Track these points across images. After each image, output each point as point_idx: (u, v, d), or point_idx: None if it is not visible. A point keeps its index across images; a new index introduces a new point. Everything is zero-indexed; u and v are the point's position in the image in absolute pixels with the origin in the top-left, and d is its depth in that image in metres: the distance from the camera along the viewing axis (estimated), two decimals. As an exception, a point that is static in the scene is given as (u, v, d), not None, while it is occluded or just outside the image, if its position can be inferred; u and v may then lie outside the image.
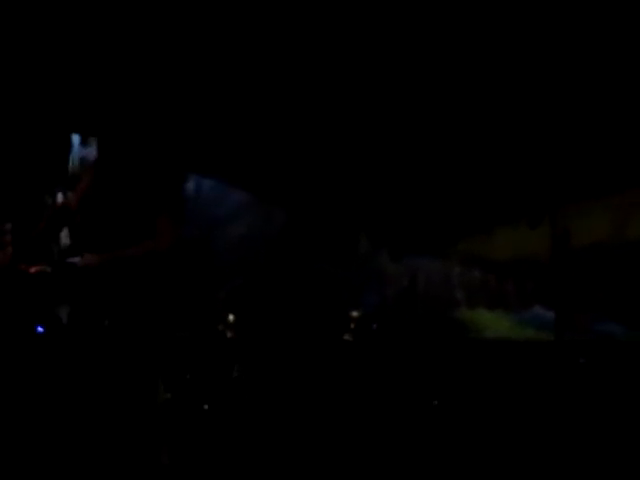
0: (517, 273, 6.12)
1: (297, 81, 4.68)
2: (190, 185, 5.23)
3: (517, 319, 6.25)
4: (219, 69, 4.64)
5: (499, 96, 4.15)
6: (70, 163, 4.83)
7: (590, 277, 5.69)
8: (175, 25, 4.03)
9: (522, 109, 4.11)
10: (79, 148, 4.83)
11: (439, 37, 3.96)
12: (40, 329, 3.29)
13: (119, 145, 3.34)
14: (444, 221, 5.71)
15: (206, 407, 4.39)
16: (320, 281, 5.32)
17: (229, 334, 4.72)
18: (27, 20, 3.91)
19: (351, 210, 5.77)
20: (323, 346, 5.00)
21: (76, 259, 3.50)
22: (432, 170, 5.16)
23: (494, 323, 6.19)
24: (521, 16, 3.83)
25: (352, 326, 5.07)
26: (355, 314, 5.11)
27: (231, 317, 4.67)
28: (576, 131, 4.36)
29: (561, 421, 4.64)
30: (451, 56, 4.11)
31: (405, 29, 3.87)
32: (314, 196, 5.63)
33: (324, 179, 5.55)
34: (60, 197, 4.79)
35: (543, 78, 4.28)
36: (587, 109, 4.25)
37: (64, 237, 4.56)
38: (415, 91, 4.62)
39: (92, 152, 4.90)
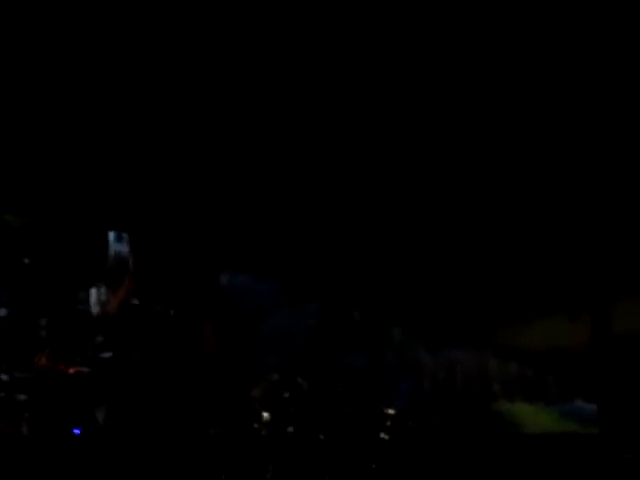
0: (555, 365, 5.95)
1: (331, 183, 4.65)
2: (224, 279, 5.20)
3: (558, 413, 6.06)
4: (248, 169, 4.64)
5: (543, 184, 4.06)
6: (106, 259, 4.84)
7: (633, 368, 5.51)
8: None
9: (566, 199, 4.03)
10: (114, 244, 4.85)
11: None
12: (76, 431, 3.23)
13: (156, 245, 3.36)
14: (480, 312, 5.61)
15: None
16: (350, 376, 5.21)
17: (264, 432, 4.60)
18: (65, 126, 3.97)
19: (384, 301, 5.70)
20: (359, 445, 4.85)
21: (109, 354, 3.46)
22: (467, 261, 5.11)
23: (534, 417, 5.99)
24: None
25: (388, 424, 4.92)
26: (391, 412, 4.97)
27: (266, 415, 4.55)
28: (620, 226, 4.26)
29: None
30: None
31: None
32: (346, 288, 5.57)
33: (356, 271, 5.51)
34: (95, 293, 4.78)
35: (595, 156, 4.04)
36: (634, 200, 4.14)
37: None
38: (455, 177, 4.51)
39: (126, 247, 4.93)
